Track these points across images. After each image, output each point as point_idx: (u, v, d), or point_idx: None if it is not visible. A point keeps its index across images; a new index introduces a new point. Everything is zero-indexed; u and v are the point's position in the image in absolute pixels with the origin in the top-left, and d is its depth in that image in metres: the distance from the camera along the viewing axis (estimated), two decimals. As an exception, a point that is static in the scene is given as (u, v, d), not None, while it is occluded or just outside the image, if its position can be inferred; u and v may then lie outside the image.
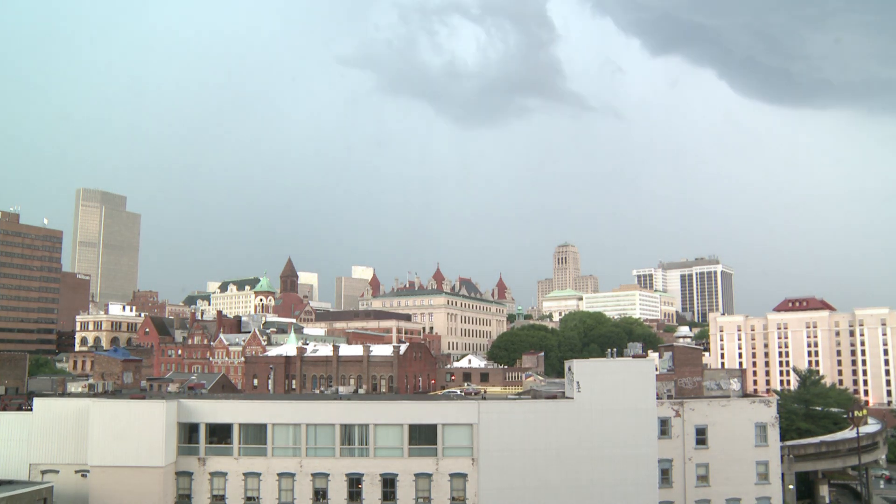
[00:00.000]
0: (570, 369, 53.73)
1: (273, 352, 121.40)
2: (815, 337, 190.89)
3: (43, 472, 50.82)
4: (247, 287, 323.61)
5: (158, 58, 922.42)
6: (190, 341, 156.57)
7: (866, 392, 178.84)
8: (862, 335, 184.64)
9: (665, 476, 55.82)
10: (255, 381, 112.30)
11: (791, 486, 68.46)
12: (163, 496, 49.54)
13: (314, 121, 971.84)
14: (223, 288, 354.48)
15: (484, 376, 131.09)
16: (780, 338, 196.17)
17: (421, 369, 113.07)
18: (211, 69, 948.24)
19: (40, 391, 65.10)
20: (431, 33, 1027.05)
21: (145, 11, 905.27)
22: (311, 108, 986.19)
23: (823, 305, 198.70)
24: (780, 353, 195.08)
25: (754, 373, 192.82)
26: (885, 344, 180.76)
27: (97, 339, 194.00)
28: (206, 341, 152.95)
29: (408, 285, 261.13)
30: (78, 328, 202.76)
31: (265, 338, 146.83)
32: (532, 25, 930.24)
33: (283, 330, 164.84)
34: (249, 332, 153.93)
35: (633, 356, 67.38)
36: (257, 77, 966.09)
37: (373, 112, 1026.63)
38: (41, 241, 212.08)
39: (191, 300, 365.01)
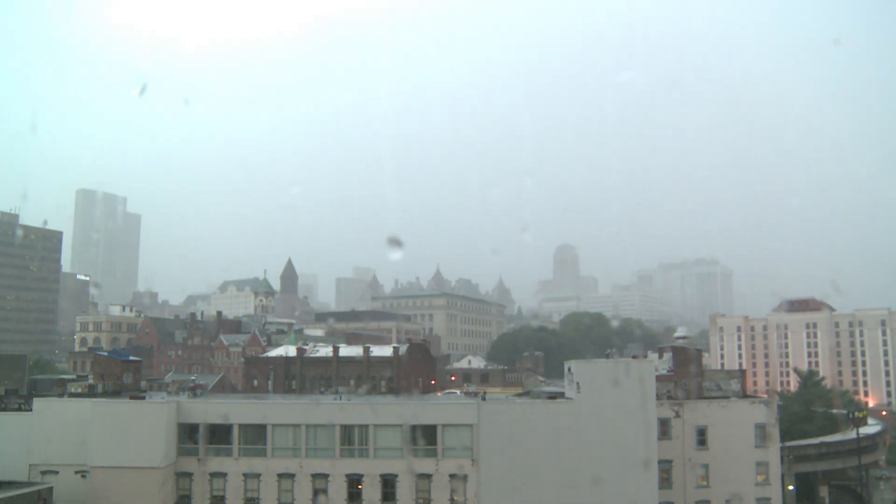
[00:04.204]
0: (569, 370, 53.79)
1: (273, 352, 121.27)
2: (815, 338, 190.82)
3: (42, 473, 50.86)
4: (247, 287, 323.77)
5: (158, 56, 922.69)
6: (190, 342, 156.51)
7: (866, 393, 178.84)
8: (862, 336, 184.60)
9: (665, 477, 55.85)
10: (255, 382, 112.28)
11: (791, 487, 68.47)
12: (162, 497, 49.58)
13: (313, 119, 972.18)
14: (223, 288, 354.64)
15: (484, 377, 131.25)
16: (779, 338, 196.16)
17: (421, 370, 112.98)
18: (212, 68, 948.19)
19: (40, 392, 65.07)
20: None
21: (146, 13, 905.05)
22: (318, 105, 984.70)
23: (823, 306, 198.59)
24: (780, 354, 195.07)
25: (754, 374, 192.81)
26: (885, 344, 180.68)
27: (97, 340, 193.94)
28: (206, 342, 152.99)
29: (408, 286, 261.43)
30: (78, 329, 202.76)
31: (265, 338, 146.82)
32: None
33: (282, 331, 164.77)
34: (249, 333, 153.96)
35: (633, 357, 67.46)
36: (268, 75, 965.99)
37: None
38: (41, 242, 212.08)
39: (191, 300, 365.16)
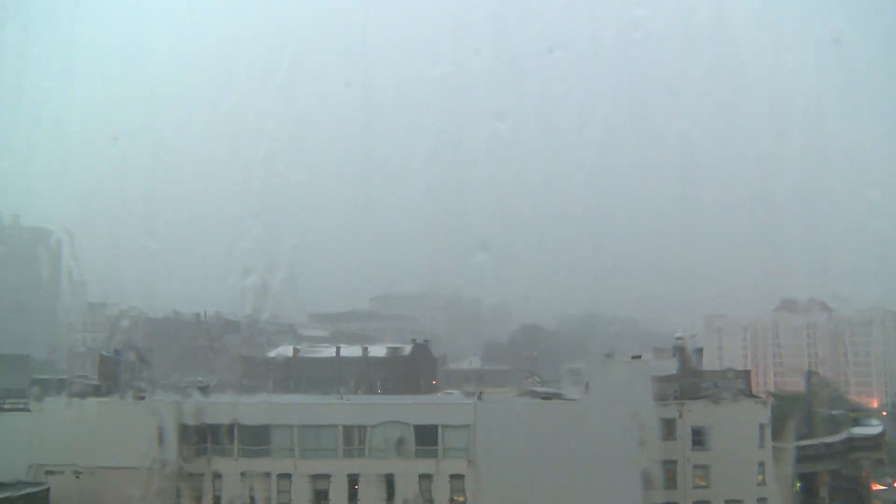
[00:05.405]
0: (569, 371, 53.77)
1: (273, 353, 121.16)
2: (815, 338, 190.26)
3: (42, 474, 50.73)
4: (247, 287, 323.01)
5: (158, 56, 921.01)
6: (190, 342, 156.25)
7: (867, 393, 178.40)
8: (862, 336, 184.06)
9: (665, 478, 55.61)
10: (255, 383, 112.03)
11: (797, 487, 68.34)
12: (162, 497, 49.46)
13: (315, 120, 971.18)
14: (223, 288, 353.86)
15: (483, 377, 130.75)
16: (779, 338, 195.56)
17: (421, 370, 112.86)
18: (209, 66, 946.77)
19: (39, 392, 64.90)
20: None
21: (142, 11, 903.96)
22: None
23: (823, 306, 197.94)
24: (780, 354, 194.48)
25: (757, 374, 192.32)
26: (885, 344, 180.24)
27: (97, 340, 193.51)
28: (206, 342, 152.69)
29: (408, 286, 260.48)
30: (78, 329, 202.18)
31: (265, 339, 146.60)
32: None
33: (282, 331, 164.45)
34: (249, 333, 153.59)
35: (633, 357, 67.25)
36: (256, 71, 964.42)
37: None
38: (41, 241, 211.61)
39: (191, 300, 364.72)
